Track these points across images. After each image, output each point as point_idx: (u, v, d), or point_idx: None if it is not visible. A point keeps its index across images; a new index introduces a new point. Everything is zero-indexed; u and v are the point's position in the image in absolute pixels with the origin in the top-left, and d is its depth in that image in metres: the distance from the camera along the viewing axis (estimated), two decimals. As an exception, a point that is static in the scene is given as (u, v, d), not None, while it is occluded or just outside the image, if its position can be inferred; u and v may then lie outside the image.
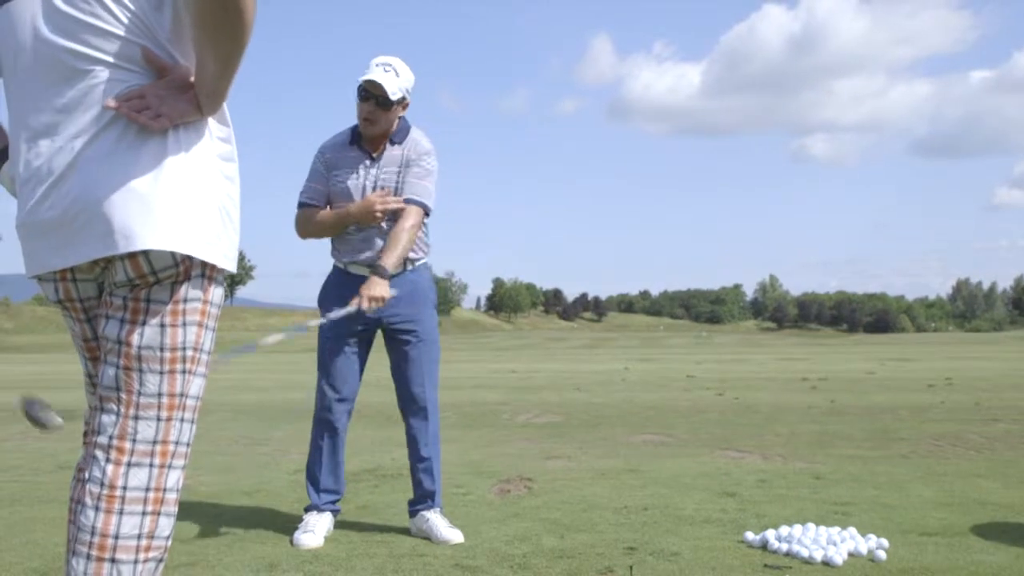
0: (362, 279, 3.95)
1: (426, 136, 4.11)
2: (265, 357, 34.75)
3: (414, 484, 4.20)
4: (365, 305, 3.77)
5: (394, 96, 3.88)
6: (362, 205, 3.95)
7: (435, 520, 4.05)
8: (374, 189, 4.01)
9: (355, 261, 4.06)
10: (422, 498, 4.15)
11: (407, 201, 3.99)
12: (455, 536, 3.96)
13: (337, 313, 3.70)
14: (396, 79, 3.90)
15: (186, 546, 3.80)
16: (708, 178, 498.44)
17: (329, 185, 4.07)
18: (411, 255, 4.08)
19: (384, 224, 4.01)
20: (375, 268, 3.87)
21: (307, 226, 4.11)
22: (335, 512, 4.18)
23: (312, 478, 4.17)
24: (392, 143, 4.04)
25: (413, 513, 4.16)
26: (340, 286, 4.08)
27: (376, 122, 3.94)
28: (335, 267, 4.18)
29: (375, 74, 3.87)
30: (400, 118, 4.05)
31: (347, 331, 4.06)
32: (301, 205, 4.12)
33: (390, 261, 3.87)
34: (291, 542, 3.91)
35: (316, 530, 3.96)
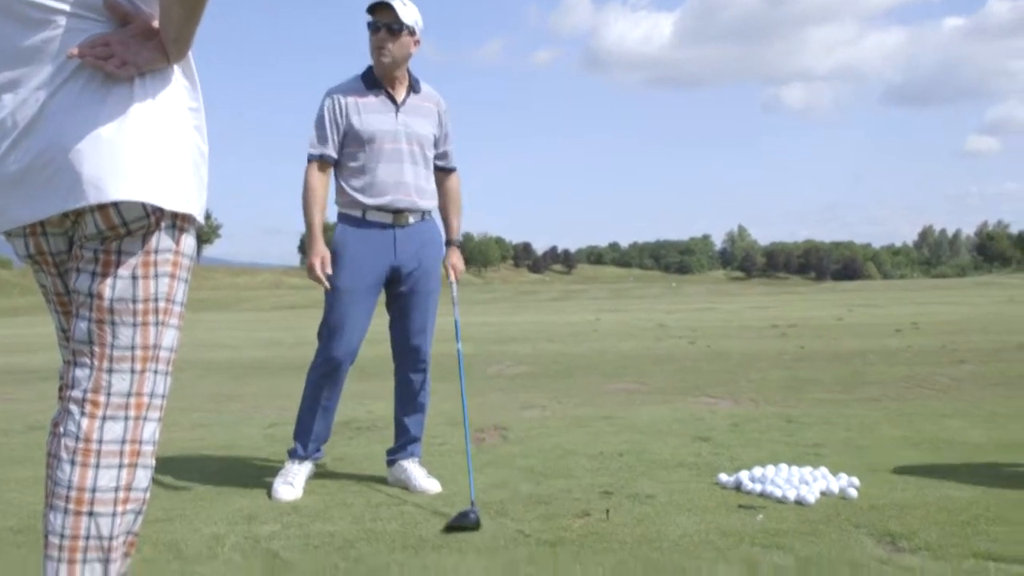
0: (381, 227, 3.96)
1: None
2: (235, 315, 34.60)
3: (398, 432, 4.20)
4: (455, 279, 4.23)
5: (405, 19, 3.82)
6: (311, 263, 3.91)
7: (413, 470, 4.07)
8: (404, 134, 3.97)
9: (378, 206, 3.96)
10: (404, 446, 4.16)
11: (448, 169, 4.23)
12: (432, 486, 3.98)
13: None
14: (406, 8, 3.85)
15: (163, 501, 3.80)
16: (679, 129, 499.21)
17: (352, 128, 3.93)
18: (428, 204, 4.11)
19: (408, 168, 3.99)
20: (455, 242, 4.28)
21: (309, 192, 3.95)
22: (318, 458, 4.18)
23: (304, 429, 4.12)
24: (413, 91, 4.02)
25: (391, 462, 4.17)
26: (359, 233, 3.98)
27: (388, 51, 3.86)
28: (348, 217, 4.01)
29: None
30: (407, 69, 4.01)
31: (362, 283, 3.99)
32: (314, 157, 3.95)
33: (459, 230, 4.33)
34: (269, 493, 3.91)
35: (295, 482, 3.96)
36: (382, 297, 4.15)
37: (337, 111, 3.94)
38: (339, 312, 3.99)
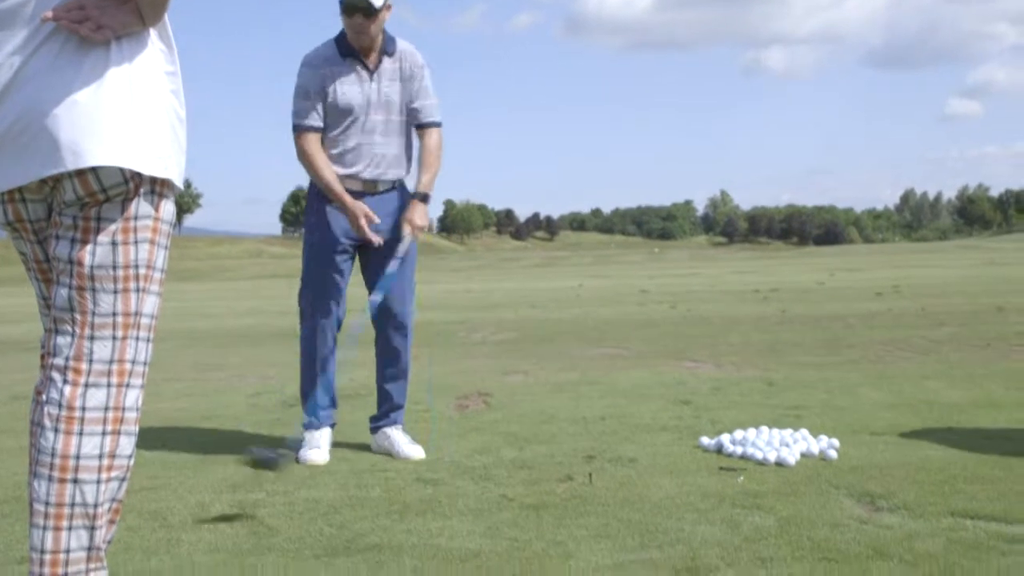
0: (354, 194, 3.94)
1: (413, 47, 4.07)
2: (217, 284, 34.47)
3: (381, 399, 4.21)
4: (409, 234, 3.93)
5: (378, 3, 3.77)
6: (353, 212, 3.87)
7: (397, 436, 4.08)
8: (378, 103, 3.95)
9: (349, 175, 3.96)
10: (388, 412, 4.17)
11: (426, 124, 4.06)
12: (416, 452, 4.00)
13: (391, 267, 3.91)
14: None
15: (147, 470, 3.80)
16: (661, 93, 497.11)
17: (327, 99, 3.92)
18: (398, 174, 4.09)
19: (379, 139, 3.97)
20: (421, 196, 3.99)
21: (310, 160, 3.92)
22: (332, 425, 4.19)
23: (308, 396, 4.12)
24: (386, 54, 3.97)
25: (375, 430, 4.18)
26: (333, 205, 3.98)
27: (367, 32, 3.83)
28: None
29: None
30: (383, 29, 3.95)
31: (336, 246, 3.99)
32: (302, 128, 3.93)
33: (431, 186, 4.00)
34: (296, 460, 3.91)
35: (322, 445, 4.00)
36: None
37: (313, 83, 3.92)
38: (316, 275, 4.02)
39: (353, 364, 4.38)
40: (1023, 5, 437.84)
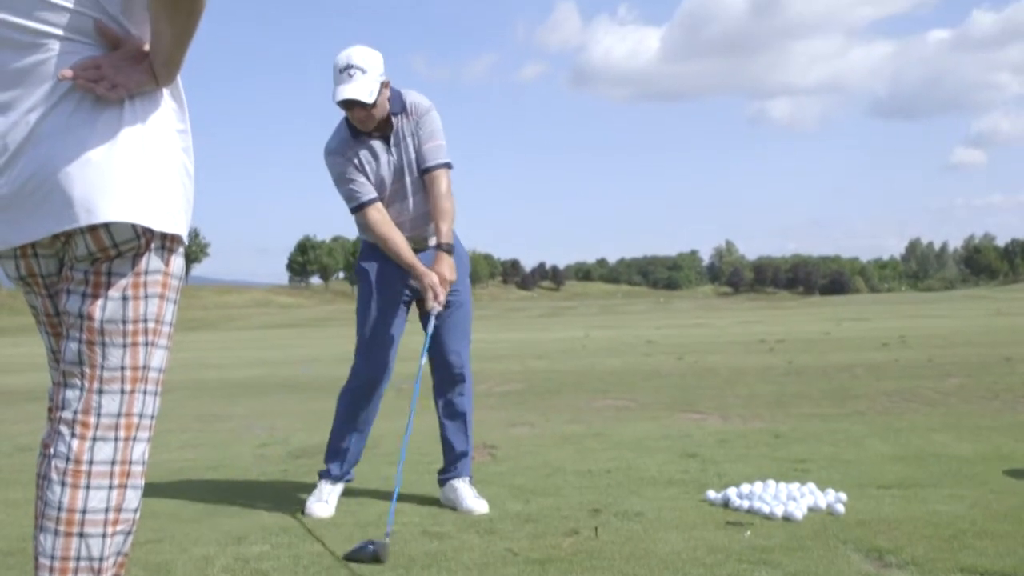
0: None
1: (420, 94, 4.05)
2: (224, 334, 34.49)
3: (446, 451, 4.17)
4: (442, 295, 3.89)
5: (372, 98, 3.75)
6: (427, 280, 3.88)
7: (463, 490, 4.04)
8: (401, 168, 3.97)
9: (405, 236, 4.00)
10: (453, 463, 4.13)
11: (431, 168, 3.98)
12: (480, 506, 3.94)
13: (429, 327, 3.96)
14: (364, 78, 3.74)
15: (153, 522, 3.80)
16: (666, 144, 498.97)
17: (365, 176, 3.98)
18: (432, 229, 4.09)
19: (412, 200, 4.01)
20: (445, 248, 3.94)
21: (378, 231, 3.94)
22: (350, 479, 4.18)
23: (337, 450, 4.11)
24: (395, 116, 3.97)
25: (443, 482, 4.15)
26: (387, 260, 4.00)
27: (371, 119, 3.87)
28: (372, 244, 4.08)
29: (343, 92, 3.73)
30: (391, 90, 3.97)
31: (392, 301, 4.02)
32: (362, 205, 3.93)
33: (449, 234, 3.97)
34: (302, 511, 3.92)
35: (330, 500, 3.99)
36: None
37: (350, 165, 3.94)
38: (372, 331, 4.02)
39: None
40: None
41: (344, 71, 3.75)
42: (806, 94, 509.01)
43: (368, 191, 3.94)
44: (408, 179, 4.00)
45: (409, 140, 4.00)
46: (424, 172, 4.00)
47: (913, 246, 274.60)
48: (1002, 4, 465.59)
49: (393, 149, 3.98)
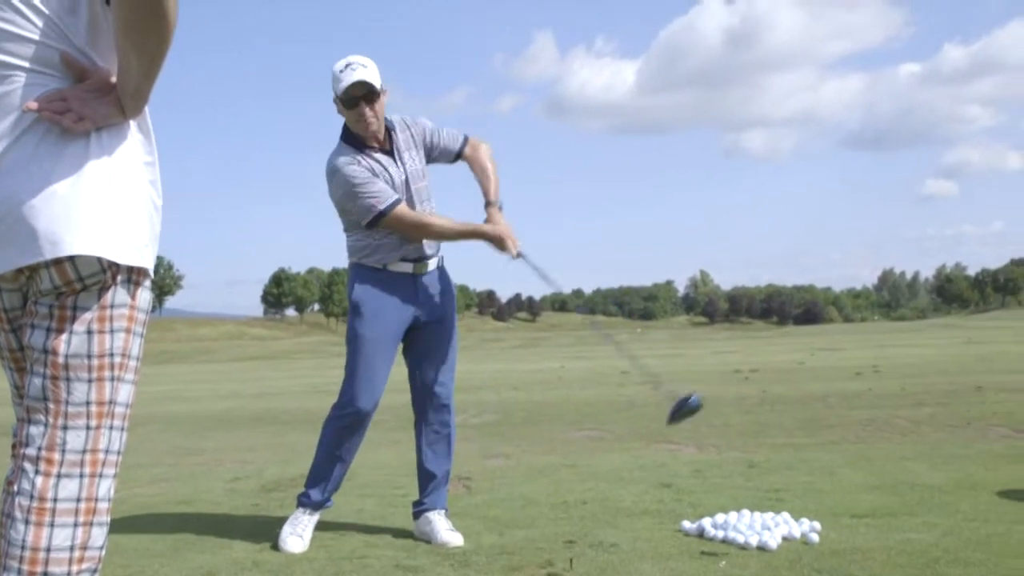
0: (403, 277, 3.99)
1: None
2: (196, 367, 34.23)
3: (422, 482, 4.14)
4: (513, 247, 3.97)
5: (379, 84, 3.83)
6: (496, 231, 3.95)
7: (438, 522, 4.00)
8: (404, 182, 3.97)
9: (404, 258, 4.00)
10: (431, 493, 4.10)
11: (463, 145, 4.17)
12: (455, 539, 3.90)
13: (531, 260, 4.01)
14: (367, 71, 3.82)
15: (120, 558, 3.74)
16: (641, 175, 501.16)
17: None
18: (432, 250, 4.10)
19: (419, 208, 4.01)
20: (496, 205, 4.07)
21: (416, 223, 3.92)
22: (328, 506, 4.13)
23: (319, 477, 4.05)
24: (392, 131, 4.01)
25: (417, 515, 4.11)
26: (382, 283, 3.99)
27: (376, 117, 3.88)
28: (368, 267, 4.03)
29: (352, 76, 3.77)
30: None
31: (386, 332, 3.99)
32: (390, 206, 3.86)
33: (498, 192, 4.11)
34: (277, 542, 3.88)
35: (304, 535, 3.93)
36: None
37: (366, 170, 3.91)
38: (365, 362, 3.97)
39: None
40: (993, 89, 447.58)
41: (346, 68, 3.82)
42: (780, 126, 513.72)
43: (392, 192, 3.90)
44: (414, 191, 4.01)
45: (414, 151, 4.05)
46: (459, 156, 4.17)
47: (886, 276, 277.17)
48: (972, 39, 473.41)
49: (398, 160, 3.99)
